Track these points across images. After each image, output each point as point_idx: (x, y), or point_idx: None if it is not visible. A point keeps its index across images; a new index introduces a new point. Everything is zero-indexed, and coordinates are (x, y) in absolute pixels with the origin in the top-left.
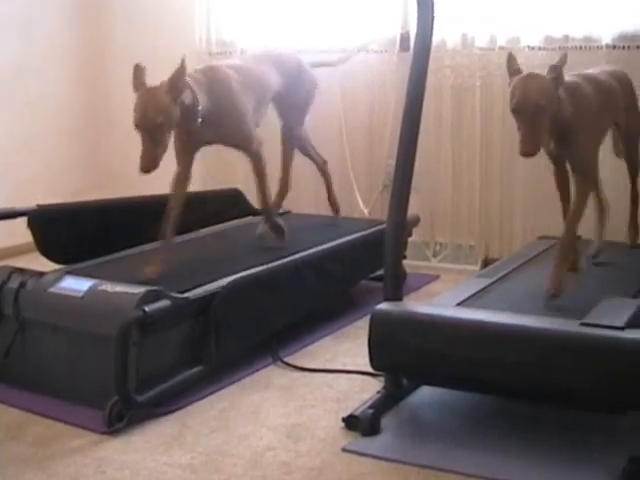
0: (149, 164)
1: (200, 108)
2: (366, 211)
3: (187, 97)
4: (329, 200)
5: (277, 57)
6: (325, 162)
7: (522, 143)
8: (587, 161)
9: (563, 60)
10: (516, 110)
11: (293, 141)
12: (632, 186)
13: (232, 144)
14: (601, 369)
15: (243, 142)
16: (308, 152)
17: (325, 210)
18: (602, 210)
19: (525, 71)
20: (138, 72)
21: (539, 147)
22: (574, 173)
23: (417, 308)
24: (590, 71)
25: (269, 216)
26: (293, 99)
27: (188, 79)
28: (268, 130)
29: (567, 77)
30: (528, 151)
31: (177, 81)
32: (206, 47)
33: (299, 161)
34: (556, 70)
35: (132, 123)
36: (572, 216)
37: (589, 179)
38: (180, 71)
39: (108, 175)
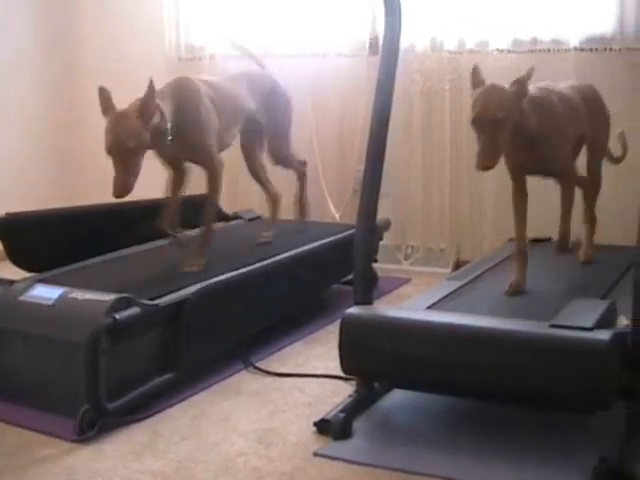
0: (122, 189)
1: (169, 126)
2: (337, 216)
3: (156, 118)
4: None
5: (251, 78)
6: (304, 163)
7: (480, 156)
8: (564, 162)
9: (529, 74)
10: (475, 122)
11: (283, 159)
12: (588, 207)
13: (194, 160)
14: (571, 370)
15: (204, 159)
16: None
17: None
18: (590, 221)
19: (492, 78)
20: (104, 95)
21: (497, 160)
22: (556, 179)
23: (387, 311)
24: (554, 85)
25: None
26: (271, 121)
27: (157, 97)
28: None
29: (532, 88)
30: (486, 164)
31: (148, 105)
32: (175, 52)
33: (272, 169)
34: (519, 83)
35: (104, 148)
36: (565, 212)
37: (571, 179)
38: (150, 94)
39: (79, 183)
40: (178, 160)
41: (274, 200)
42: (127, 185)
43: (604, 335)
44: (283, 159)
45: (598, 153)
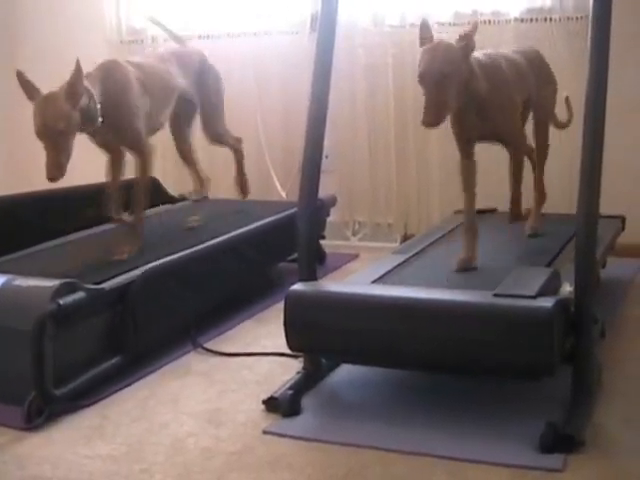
0: (55, 172)
1: (99, 107)
2: (284, 194)
3: (85, 100)
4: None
5: (181, 56)
6: (239, 140)
7: (425, 113)
8: (513, 128)
9: (474, 29)
10: (421, 78)
11: (219, 136)
12: (536, 169)
13: (123, 144)
14: (515, 338)
15: (132, 144)
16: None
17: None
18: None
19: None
20: (22, 79)
21: (442, 118)
22: (506, 146)
23: (331, 287)
24: (500, 50)
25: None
26: (204, 99)
27: (85, 80)
28: None
29: (479, 54)
30: (430, 121)
31: (75, 86)
32: (117, 35)
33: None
34: (466, 38)
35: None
36: (514, 180)
37: (522, 147)
38: (77, 75)
39: (19, 171)
40: (111, 143)
41: (202, 183)
42: (60, 167)
43: (547, 302)
44: (218, 136)
45: (544, 117)
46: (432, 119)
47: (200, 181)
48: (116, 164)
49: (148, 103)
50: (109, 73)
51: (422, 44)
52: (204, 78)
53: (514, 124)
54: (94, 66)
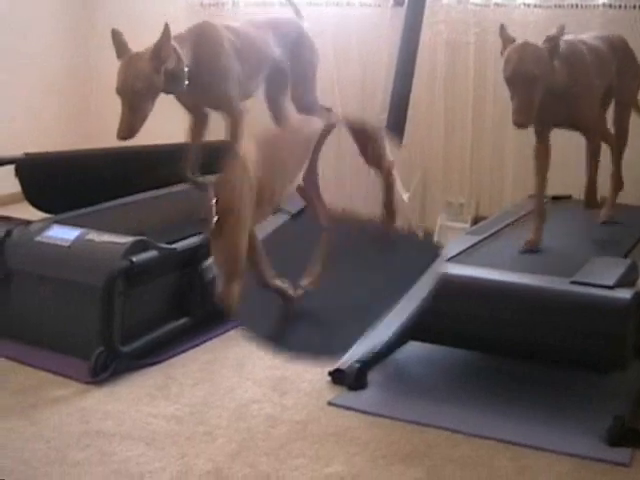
0: (125, 131)
1: (186, 70)
2: None
3: (171, 62)
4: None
5: (278, 25)
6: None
7: (515, 114)
8: (591, 116)
9: (560, 31)
10: (510, 79)
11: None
12: (613, 157)
13: (214, 105)
14: (589, 328)
15: (223, 106)
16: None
17: None
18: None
19: (518, 33)
20: (117, 38)
21: (532, 118)
22: (583, 133)
23: None
24: (582, 36)
25: None
26: (296, 69)
27: (174, 41)
28: None
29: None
30: (522, 122)
31: (160, 49)
32: None
33: None
34: (553, 41)
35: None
36: (591, 167)
37: (599, 134)
38: (164, 38)
39: (98, 127)
40: (197, 105)
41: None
42: (132, 127)
43: (625, 294)
44: (305, 107)
45: (626, 106)
46: (524, 119)
47: None
48: (198, 126)
49: (239, 69)
50: (202, 36)
51: (504, 47)
52: (299, 49)
53: (592, 111)
54: (186, 28)
